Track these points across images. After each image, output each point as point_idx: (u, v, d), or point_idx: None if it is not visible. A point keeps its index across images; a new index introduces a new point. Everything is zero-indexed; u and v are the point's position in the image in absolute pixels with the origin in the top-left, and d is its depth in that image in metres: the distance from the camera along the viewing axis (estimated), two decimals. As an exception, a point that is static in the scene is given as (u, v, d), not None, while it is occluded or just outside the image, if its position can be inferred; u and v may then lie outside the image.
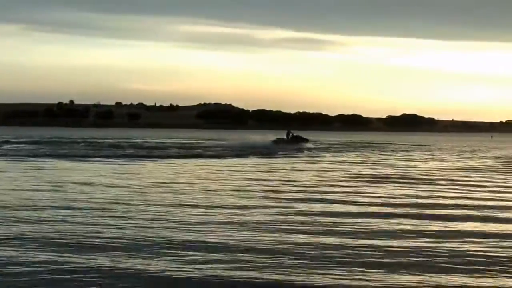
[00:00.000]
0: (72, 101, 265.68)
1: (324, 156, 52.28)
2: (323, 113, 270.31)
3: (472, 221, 17.18)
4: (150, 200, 20.56)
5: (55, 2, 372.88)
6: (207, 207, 19.27)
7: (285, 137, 71.88)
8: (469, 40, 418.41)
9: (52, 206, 18.79)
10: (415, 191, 25.02)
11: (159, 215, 17.50)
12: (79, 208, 18.49)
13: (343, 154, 57.12)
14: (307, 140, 71.78)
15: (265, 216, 17.57)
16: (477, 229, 16.03)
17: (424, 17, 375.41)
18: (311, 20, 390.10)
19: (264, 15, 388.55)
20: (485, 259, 12.51)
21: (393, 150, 68.58)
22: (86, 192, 22.58)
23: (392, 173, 34.33)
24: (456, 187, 27.04)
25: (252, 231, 15.19)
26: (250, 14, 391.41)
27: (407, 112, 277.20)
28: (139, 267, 11.50)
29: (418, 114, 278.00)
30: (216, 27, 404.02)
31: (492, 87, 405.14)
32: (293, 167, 38.20)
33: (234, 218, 17.15)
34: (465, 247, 13.66)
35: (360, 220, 17.07)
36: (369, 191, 24.40)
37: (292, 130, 74.25)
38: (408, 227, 16.04)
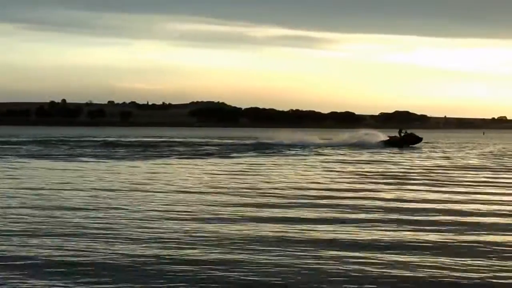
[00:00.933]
0: (64, 100, 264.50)
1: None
2: (316, 111, 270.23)
3: None
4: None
5: (47, 0, 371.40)
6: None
7: (397, 135, 68.78)
8: (461, 37, 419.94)
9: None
10: None
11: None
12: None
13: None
14: (420, 139, 69.26)
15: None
16: None
17: (417, 15, 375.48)
18: (304, 18, 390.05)
19: (258, 13, 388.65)
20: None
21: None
22: (59, 196, 21.83)
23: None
24: None
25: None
26: (243, 12, 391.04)
27: (400, 109, 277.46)
28: None
29: (410, 111, 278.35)
30: (209, 25, 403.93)
31: (484, 84, 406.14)
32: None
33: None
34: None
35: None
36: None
37: (404, 128, 71.15)
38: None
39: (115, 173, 31.40)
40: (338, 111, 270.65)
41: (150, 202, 19.92)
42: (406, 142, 67.29)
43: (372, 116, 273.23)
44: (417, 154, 53.86)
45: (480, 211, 18.73)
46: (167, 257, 12.28)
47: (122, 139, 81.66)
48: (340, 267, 11.58)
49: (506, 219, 17.39)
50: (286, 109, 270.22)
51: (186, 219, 16.69)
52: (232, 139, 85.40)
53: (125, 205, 19.17)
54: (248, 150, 56.79)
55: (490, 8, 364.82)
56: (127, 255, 12.39)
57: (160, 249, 12.98)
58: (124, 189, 23.76)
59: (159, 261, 11.94)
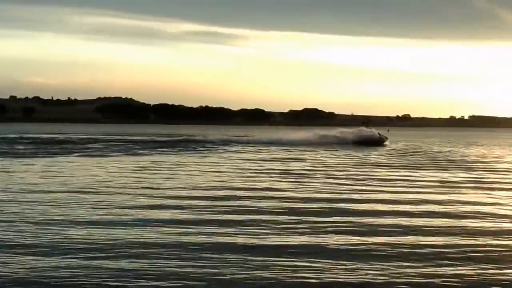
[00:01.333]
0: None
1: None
2: (226, 107, 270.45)
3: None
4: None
5: None
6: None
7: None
8: (368, 35, 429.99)
9: None
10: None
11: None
12: None
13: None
14: (386, 138, 68.30)
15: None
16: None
17: (327, 13, 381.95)
18: (215, 13, 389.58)
19: (168, 7, 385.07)
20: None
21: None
22: None
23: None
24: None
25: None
26: (153, 6, 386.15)
27: (309, 107, 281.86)
28: None
29: (319, 108, 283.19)
30: (118, 19, 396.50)
31: (389, 83, 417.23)
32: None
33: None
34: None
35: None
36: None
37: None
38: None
39: (8, 172, 29.89)
40: (248, 108, 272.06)
41: (39, 204, 18.87)
42: (383, 141, 67.38)
43: (281, 113, 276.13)
44: (324, 152, 54.36)
45: (377, 210, 18.75)
46: (54, 265, 11.51)
47: (23, 135, 78.69)
48: (231, 270, 11.13)
49: (401, 218, 17.43)
50: (195, 105, 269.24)
51: (71, 222, 15.84)
52: (142, 135, 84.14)
53: (10, 208, 18.08)
54: (157, 147, 55.79)
55: (399, 7, 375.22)
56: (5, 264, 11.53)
57: (41, 256, 12.16)
58: (13, 189, 22.52)
59: (47, 271, 11.16)
